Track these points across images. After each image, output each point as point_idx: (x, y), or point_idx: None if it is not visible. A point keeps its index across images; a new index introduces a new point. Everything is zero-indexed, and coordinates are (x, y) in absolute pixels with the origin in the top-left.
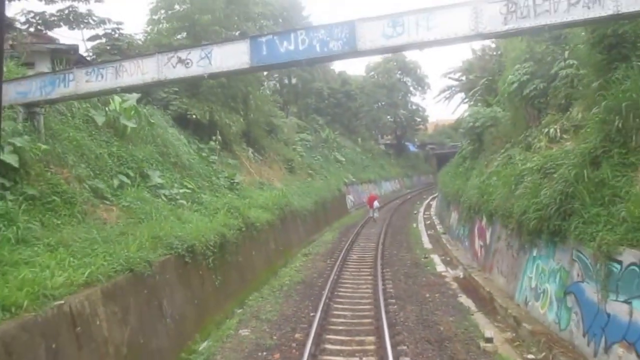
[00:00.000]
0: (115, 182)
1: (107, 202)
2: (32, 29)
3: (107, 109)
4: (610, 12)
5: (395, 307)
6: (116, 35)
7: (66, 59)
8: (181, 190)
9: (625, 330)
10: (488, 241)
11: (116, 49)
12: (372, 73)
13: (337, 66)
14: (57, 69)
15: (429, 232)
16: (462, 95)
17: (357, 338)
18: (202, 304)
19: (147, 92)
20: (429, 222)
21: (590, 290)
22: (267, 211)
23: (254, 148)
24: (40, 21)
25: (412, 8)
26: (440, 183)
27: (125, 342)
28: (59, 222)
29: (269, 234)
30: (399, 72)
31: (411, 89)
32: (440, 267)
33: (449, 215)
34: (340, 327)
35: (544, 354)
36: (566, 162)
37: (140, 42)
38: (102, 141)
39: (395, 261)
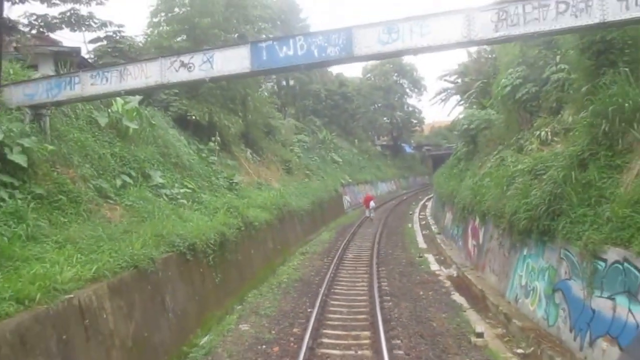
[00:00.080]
0: (118, 182)
1: (111, 201)
2: (34, 31)
3: (109, 110)
4: (597, 21)
5: (390, 304)
6: (117, 37)
7: (69, 61)
8: (182, 190)
9: (609, 325)
10: (481, 241)
11: (117, 51)
12: (369, 75)
13: (335, 68)
14: (60, 71)
15: (424, 232)
16: (458, 97)
17: (353, 333)
18: (203, 300)
19: (148, 94)
20: (424, 222)
21: (577, 288)
22: (266, 211)
23: (252, 149)
24: (42, 23)
25: (407, 15)
26: (435, 184)
27: (130, 335)
28: (66, 220)
29: (267, 233)
30: (396, 74)
31: (407, 90)
32: (435, 266)
33: (443, 216)
34: (337, 323)
35: (532, 348)
36: (555, 164)
37: (141, 45)
38: (105, 142)
39: (391, 260)
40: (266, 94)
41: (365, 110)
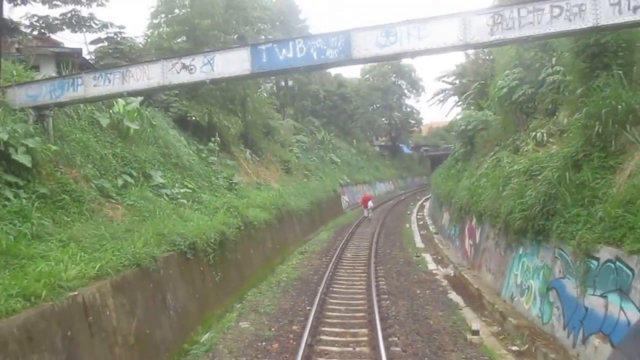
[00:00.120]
0: (120, 182)
1: (113, 201)
2: (35, 32)
3: (111, 111)
4: (590, 25)
5: (388, 302)
6: (118, 38)
7: (71, 62)
8: (182, 190)
9: (601, 323)
10: (477, 240)
11: (118, 53)
12: (368, 76)
13: (333, 69)
14: (62, 72)
15: (421, 232)
16: (456, 98)
17: (351, 330)
18: (203, 298)
19: (149, 95)
20: (421, 222)
21: (571, 286)
22: (265, 211)
23: (251, 149)
24: (43, 25)
25: (405, 18)
26: (433, 184)
27: (133, 332)
28: (69, 219)
29: (267, 233)
30: (394, 75)
31: (406, 91)
32: (432, 266)
33: (441, 216)
34: (335, 320)
35: (527, 346)
36: (550, 164)
37: (141, 46)
38: (106, 142)
39: (389, 259)
40: (265, 94)
41: (363, 111)
